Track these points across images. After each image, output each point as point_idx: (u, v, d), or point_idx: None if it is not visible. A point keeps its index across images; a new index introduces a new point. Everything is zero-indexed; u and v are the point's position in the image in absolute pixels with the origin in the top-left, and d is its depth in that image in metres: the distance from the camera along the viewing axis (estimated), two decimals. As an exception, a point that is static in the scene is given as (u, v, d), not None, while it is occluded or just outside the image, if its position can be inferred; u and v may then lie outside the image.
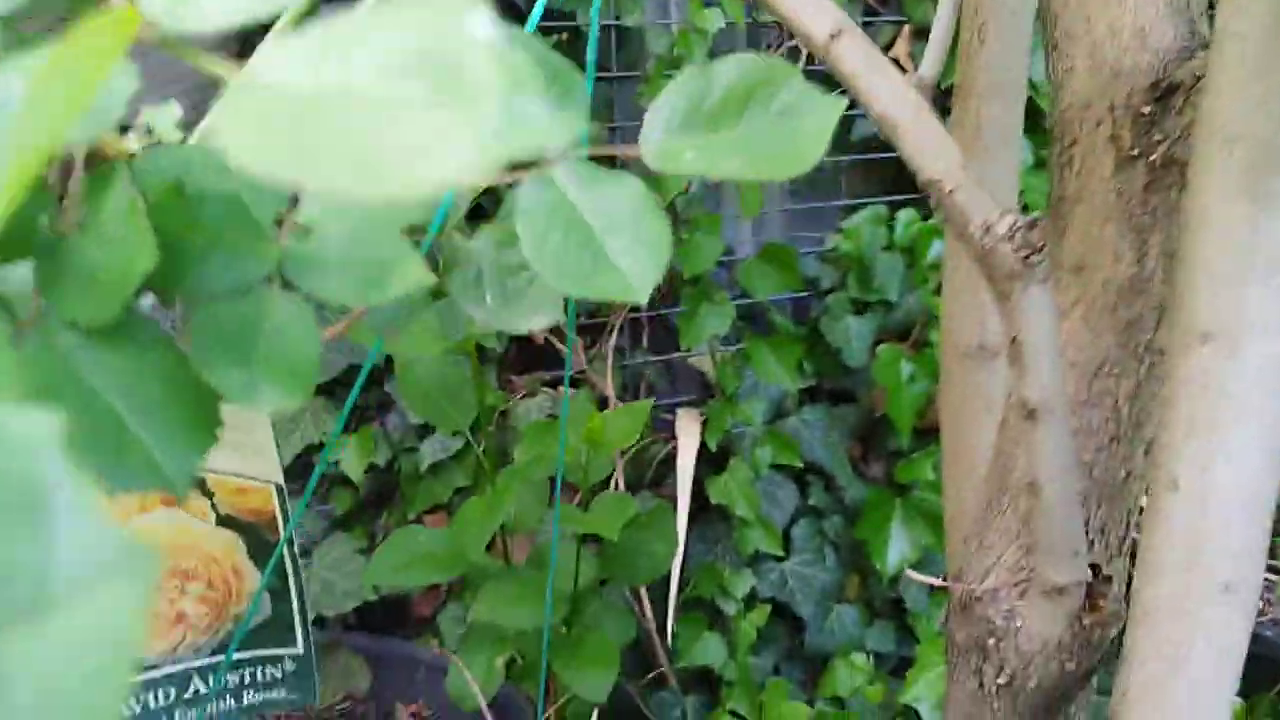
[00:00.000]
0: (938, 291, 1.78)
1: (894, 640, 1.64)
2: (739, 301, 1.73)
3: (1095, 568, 0.70)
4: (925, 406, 1.73)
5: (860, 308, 1.72)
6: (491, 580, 0.97)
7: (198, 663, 0.50)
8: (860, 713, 1.48)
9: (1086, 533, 0.70)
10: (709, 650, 1.48)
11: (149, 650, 0.50)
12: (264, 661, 0.51)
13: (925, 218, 1.76)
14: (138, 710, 0.49)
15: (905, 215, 1.75)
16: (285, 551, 0.51)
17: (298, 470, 1.50)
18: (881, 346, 1.66)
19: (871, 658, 1.59)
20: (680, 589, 1.49)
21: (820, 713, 1.43)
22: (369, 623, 1.50)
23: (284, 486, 0.50)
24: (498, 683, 1.07)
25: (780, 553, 1.56)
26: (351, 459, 1.41)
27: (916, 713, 1.50)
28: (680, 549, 1.45)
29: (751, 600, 1.54)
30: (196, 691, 0.50)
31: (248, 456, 0.48)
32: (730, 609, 1.50)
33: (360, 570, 1.40)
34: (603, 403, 1.59)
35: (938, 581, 0.80)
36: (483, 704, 0.91)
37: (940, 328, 0.99)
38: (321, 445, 1.42)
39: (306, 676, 0.52)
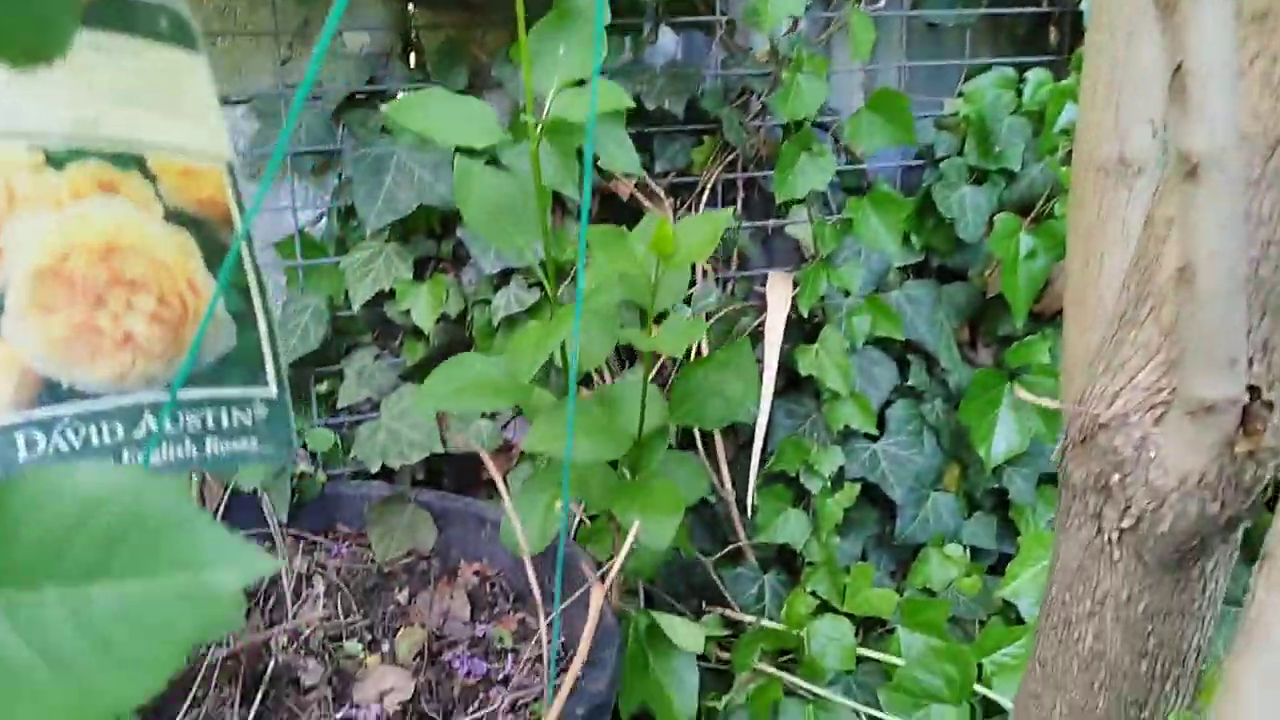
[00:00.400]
0: (1067, 161, 1.61)
1: (994, 535, 1.52)
2: (844, 169, 1.59)
3: (1254, 390, 0.58)
4: (1044, 289, 1.58)
5: (979, 177, 1.57)
6: (547, 411, 0.88)
7: (150, 397, 0.43)
8: (953, 602, 1.37)
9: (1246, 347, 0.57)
10: (790, 528, 1.38)
11: (91, 376, 0.42)
12: (229, 404, 0.43)
13: (1058, 79, 1.58)
14: (77, 446, 0.41)
15: (1036, 75, 1.58)
16: (245, 257, 0.43)
17: (374, 320, 1.44)
18: (1000, 215, 1.50)
19: (968, 551, 1.48)
20: (762, 462, 1.39)
21: (910, 600, 1.33)
22: (439, 484, 1.45)
23: (235, 167, 0.42)
24: (553, 532, 0.99)
25: (873, 431, 1.44)
26: (422, 308, 1.34)
27: (1015, 608, 1.38)
28: (764, 419, 1.35)
29: (839, 480, 1.43)
30: (149, 431, 0.43)
31: (185, 124, 0.40)
32: (815, 486, 1.40)
33: (429, 422, 1.34)
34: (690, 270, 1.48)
35: (1054, 404, 0.68)
36: (526, 553, 0.83)
37: (1074, 139, 0.85)
38: (393, 293, 1.36)
39: (280, 427, 0.44)
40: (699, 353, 1.37)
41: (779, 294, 1.36)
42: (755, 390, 0.96)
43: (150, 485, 0.31)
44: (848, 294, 1.47)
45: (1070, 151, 1.64)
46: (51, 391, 0.41)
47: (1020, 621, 1.36)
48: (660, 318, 0.91)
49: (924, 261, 1.60)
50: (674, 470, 1.01)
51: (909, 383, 1.52)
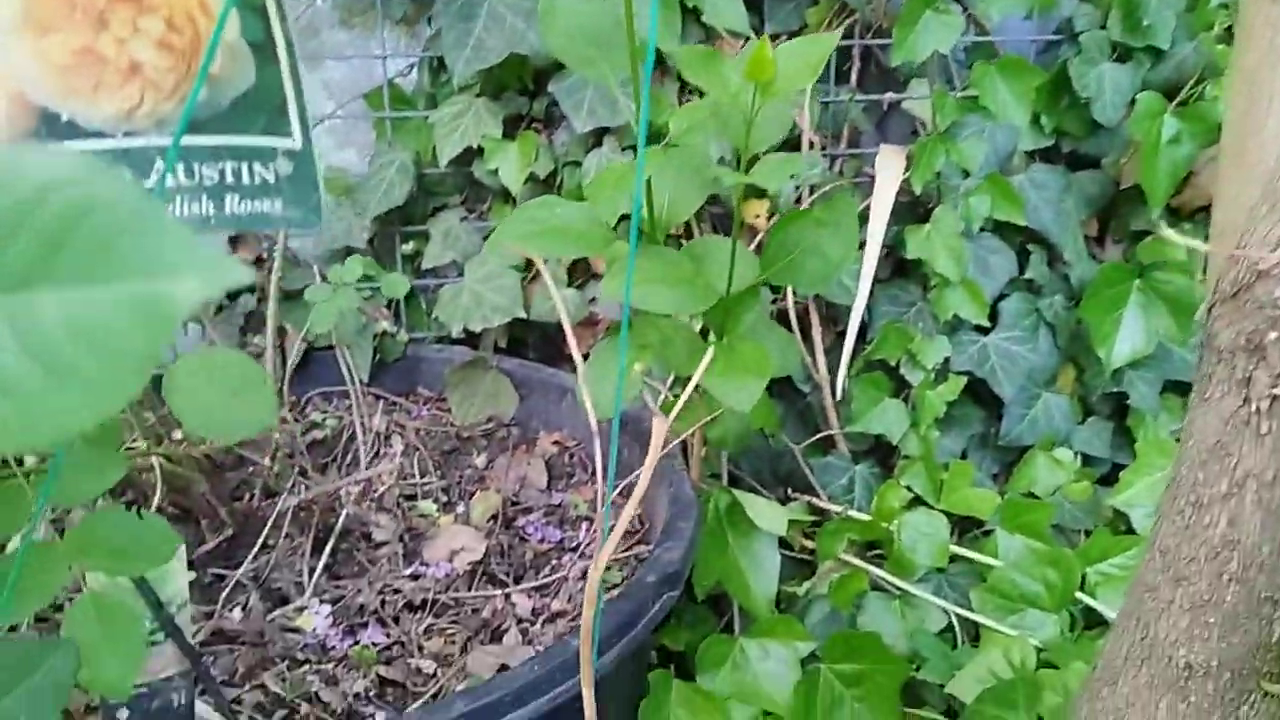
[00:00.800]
0: (1224, 39, 1.46)
1: (1108, 444, 1.42)
2: (972, 41, 1.47)
3: None
4: (1185, 182, 1.44)
5: (1122, 54, 1.43)
6: (625, 259, 0.82)
7: (161, 141, 0.38)
8: (1057, 508, 1.28)
9: None
10: (887, 418, 1.31)
11: (94, 110, 0.37)
12: (250, 155, 0.38)
13: (1220, -55, 1.42)
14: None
15: (1195, -59, 1.42)
16: (257, -32, 0.37)
17: (462, 182, 1.39)
18: (1143, 95, 1.37)
19: (1079, 458, 1.38)
20: (860, 350, 1.31)
21: (1011, 500, 1.24)
22: (523, 355, 1.41)
23: None
24: (628, 397, 0.94)
25: (984, 323, 1.34)
26: (511, 167, 1.29)
27: (1126, 519, 1.29)
28: (863, 300, 1.26)
29: (944, 372, 1.34)
30: (161, 178, 0.38)
31: None
32: (916, 378, 1.32)
33: (513, 286, 1.29)
34: (794, 144, 1.39)
35: (1204, 246, 0.59)
36: (592, 419, 0.77)
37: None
38: (481, 151, 1.30)
39: (307, 187, 0.39)
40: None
41: (890, 168, 1.26)
42: (854, 251, 0.88)
43: (105, 175, 0.25)
44: (967, 175, 1.36)
45: (1230, 28, 1.48)
46: (49, 124, 0.36)
47: (1131, 533, 1.27)
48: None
49: (1053, 146, 1.47)
50: (764, 337, 0.94)
51: (1027, 275, 1.41)
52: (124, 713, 0.73)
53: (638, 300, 0.79)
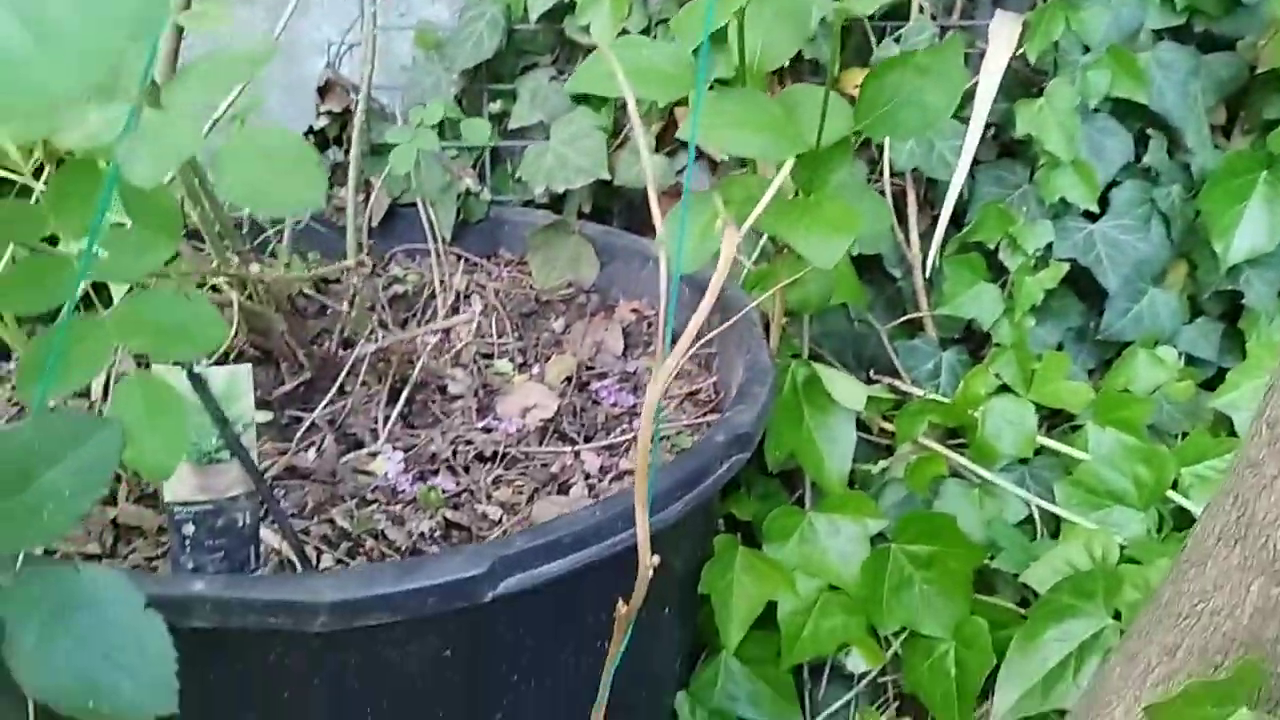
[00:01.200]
0: (1391, -94, 1.32)
1: (1216, 346, 1.34)
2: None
3: None
4: (1329, 66, 1.32)
5: (1271, -78, 1.30)
6: (709, 100, 0.78)
7: None
8: (1155, 406, 1.21)
9: None
10: (981, 302, 1.25)
11: None
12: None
13: None
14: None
15: None
16: None
17: (552, 41, 1.35)
18: (1290, -34, 1.25)
19: (1183, 359, 1.30)
20: (955, 226, 1.25)
21: (1106, 394, 1.18)
22: (607, 225, 1.38)
23: None
24: (708, 254, 0.90)
25: (1094, 209, 1.27)
26: (603, 22, 1.24)
27: (1229, 422, 1.22)
28: (961, 175, 1.20)
29: (1045, 259, 1.27)
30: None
31: None
32: (1015, 263, 1.25)
33: (598, 148, 1.26)
34: (904, 12, 1.31)
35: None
36: (663, 276, 0.73)
37: None
38: (573, 5, 1.26)
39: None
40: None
41: (1003, 35, 1.18)
42: (956, 102, 0.82)
43: None
44: (1086, 50, 1.27)
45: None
46: None
47: (1233, 435, 1.21)
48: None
49: (1184, 26, 1.36)
50: (854, 198, 0.90)
51: (1144, 162, 1.32)
52: (190, 527, 0.74)
53: (716, 141, 0.75)
